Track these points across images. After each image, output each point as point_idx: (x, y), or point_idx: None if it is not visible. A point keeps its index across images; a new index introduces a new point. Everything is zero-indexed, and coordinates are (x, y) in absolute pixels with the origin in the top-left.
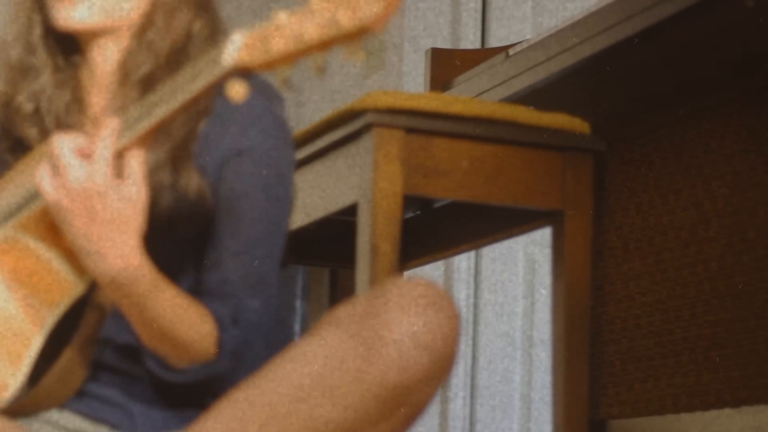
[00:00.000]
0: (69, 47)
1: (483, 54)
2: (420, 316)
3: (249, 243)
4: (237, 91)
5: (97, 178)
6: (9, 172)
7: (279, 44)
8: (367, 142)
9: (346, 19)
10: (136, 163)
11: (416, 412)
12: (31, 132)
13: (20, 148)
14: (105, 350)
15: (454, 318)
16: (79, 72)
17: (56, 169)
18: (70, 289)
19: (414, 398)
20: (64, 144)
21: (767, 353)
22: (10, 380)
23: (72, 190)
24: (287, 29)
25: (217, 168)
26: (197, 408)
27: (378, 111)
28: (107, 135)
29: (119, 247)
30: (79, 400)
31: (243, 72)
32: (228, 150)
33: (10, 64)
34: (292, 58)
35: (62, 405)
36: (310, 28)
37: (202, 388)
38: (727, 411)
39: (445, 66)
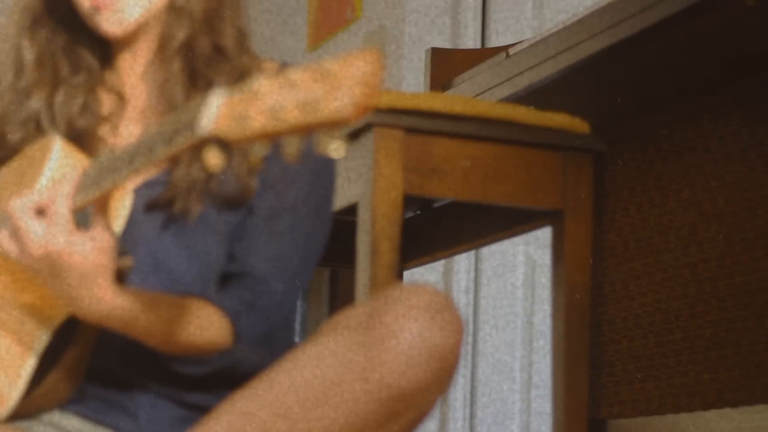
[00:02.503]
0: (82, 54)
1: (483, 54)
2: (423, 322)
3: (288, 226)
4: (212, 161)
5: (57, 237)
6: (8, 168)
7: (256, 119)
8: (367, 141)
9: (325, 104)
10: (99, 214)
11: (418, 418)
12: (15, 137)
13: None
14: (108, 356)
15: (458, 325)
16: (114, 60)
17: (15, 233)
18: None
19: (416, 404)
20: (19, 207)
21: (767, 353)
22: (8, 396)
23: (33, 252)
24: (265, 101)
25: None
26: (204, 413)
27: (378, 111)
28: (64, 190)
29: (91, 295)
30: (83, 402)
31: (217, 142)
32: None
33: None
34: (267, 137)
35: (62, 406)
36: (288, 105)
37: (227, 376)
38: (727, 411)
39: (445, 66)
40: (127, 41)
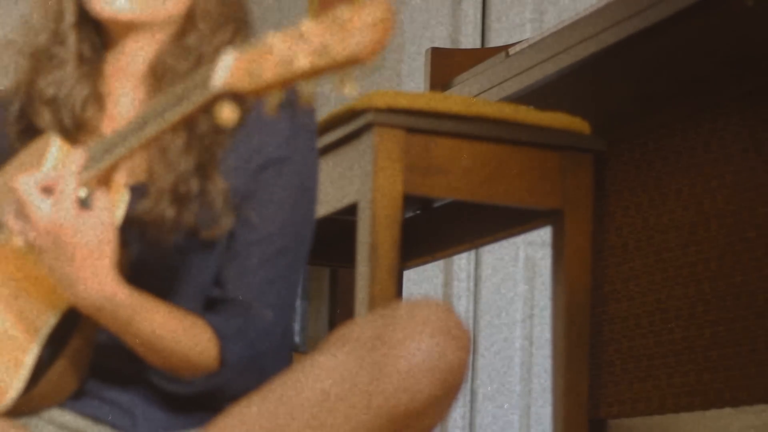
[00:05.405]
0: (97, 38)
1: (483, 54)
2: (430, 340)
3: (275, 252)
4: (227, 114)
5: (63, 214)
6: (8, 166)
7: (268, 71)
8: (367, 141)
9: (337, 48)
10: (103, 194)
11: None
12: (46, 118)
13: (31, 133)
14: (105, 352)
15: (464, 342)
16: (104, 65)
17: (22, 210)
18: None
19: (421, 421)
20: (26, 184)
21: (767, 353)
22: (10, 385)
23: (40, 228)
24: (277, 54)
25: (250, 176)
26: (200, 410)
27: (378, 111)
28: (71, 169)
29: (92, 278)
30: (80, 399)
31: (232, 96)
32: (265, 158)
33: (35, 50)
34: (281, 85)
35: (62, 404)
36: (300, 54)
37: (210, 398)
38: (727, 411)
39: (445, 66)
40: (132, 31)
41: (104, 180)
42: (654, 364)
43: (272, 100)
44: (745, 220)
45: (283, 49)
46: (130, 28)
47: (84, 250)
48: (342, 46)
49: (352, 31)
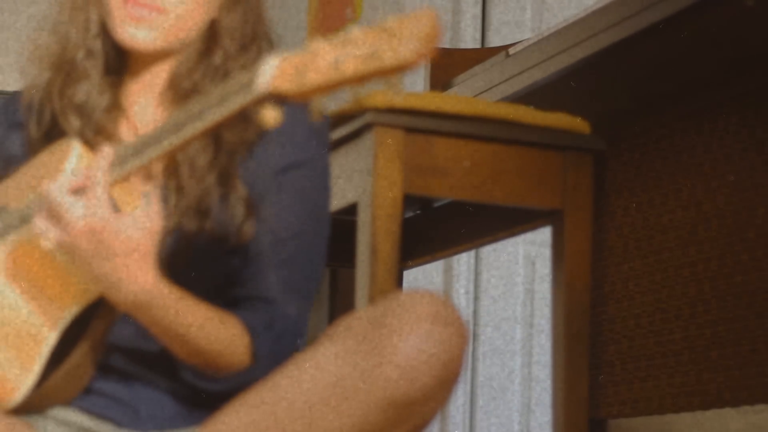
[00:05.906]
0: (120, 52)
1: (483, 54)
2: (427, 330)
3: (295, 252)
4: (270, 117)
5: (97, 213)
6: (26, 168)
7: (314, 74)
8: (367, 141)
9: (386, 55)
10: (150, 192)
11: (421, 425)
12: (74, 124)
13: (51, 137)
14: (113, 354)
15: (461, 332)
16: (126, 78)
17: (54, 215)
18: (84, 292)
19: (419, 412)
20: (56, 190)
21: (767, 353)
22: (22, 381)
23: (74, 230)
24: (324, 59)
25: (269, 179)
26: (205, 407)
27: (378, 110)
28: (100, 167)
29: (131, 275)
30: (85, 397)
31: (276, 99)
32: (285, 162)
33: (63, 57)
34: (327, 89)
35: (68, 403)
36: (348, 60)
37: (236, 394)
38: (727, 410)
39: (445, 66)
40: (153, 58)
41: (141, 172)
42: (654, 364)
43: (317, 105)
44: (745, 220)
45: (331, 54)
46: (151, 54)
47: (120, 248)
48: (391, 53)
49: (401, 39)
